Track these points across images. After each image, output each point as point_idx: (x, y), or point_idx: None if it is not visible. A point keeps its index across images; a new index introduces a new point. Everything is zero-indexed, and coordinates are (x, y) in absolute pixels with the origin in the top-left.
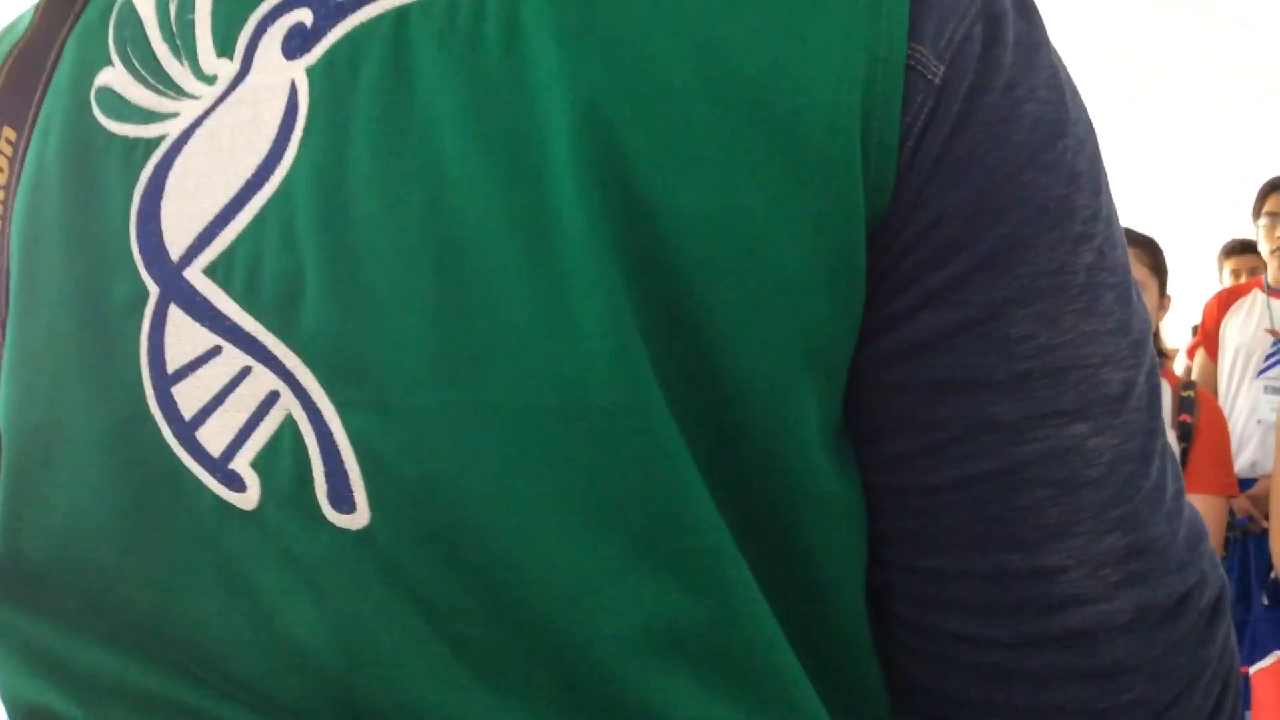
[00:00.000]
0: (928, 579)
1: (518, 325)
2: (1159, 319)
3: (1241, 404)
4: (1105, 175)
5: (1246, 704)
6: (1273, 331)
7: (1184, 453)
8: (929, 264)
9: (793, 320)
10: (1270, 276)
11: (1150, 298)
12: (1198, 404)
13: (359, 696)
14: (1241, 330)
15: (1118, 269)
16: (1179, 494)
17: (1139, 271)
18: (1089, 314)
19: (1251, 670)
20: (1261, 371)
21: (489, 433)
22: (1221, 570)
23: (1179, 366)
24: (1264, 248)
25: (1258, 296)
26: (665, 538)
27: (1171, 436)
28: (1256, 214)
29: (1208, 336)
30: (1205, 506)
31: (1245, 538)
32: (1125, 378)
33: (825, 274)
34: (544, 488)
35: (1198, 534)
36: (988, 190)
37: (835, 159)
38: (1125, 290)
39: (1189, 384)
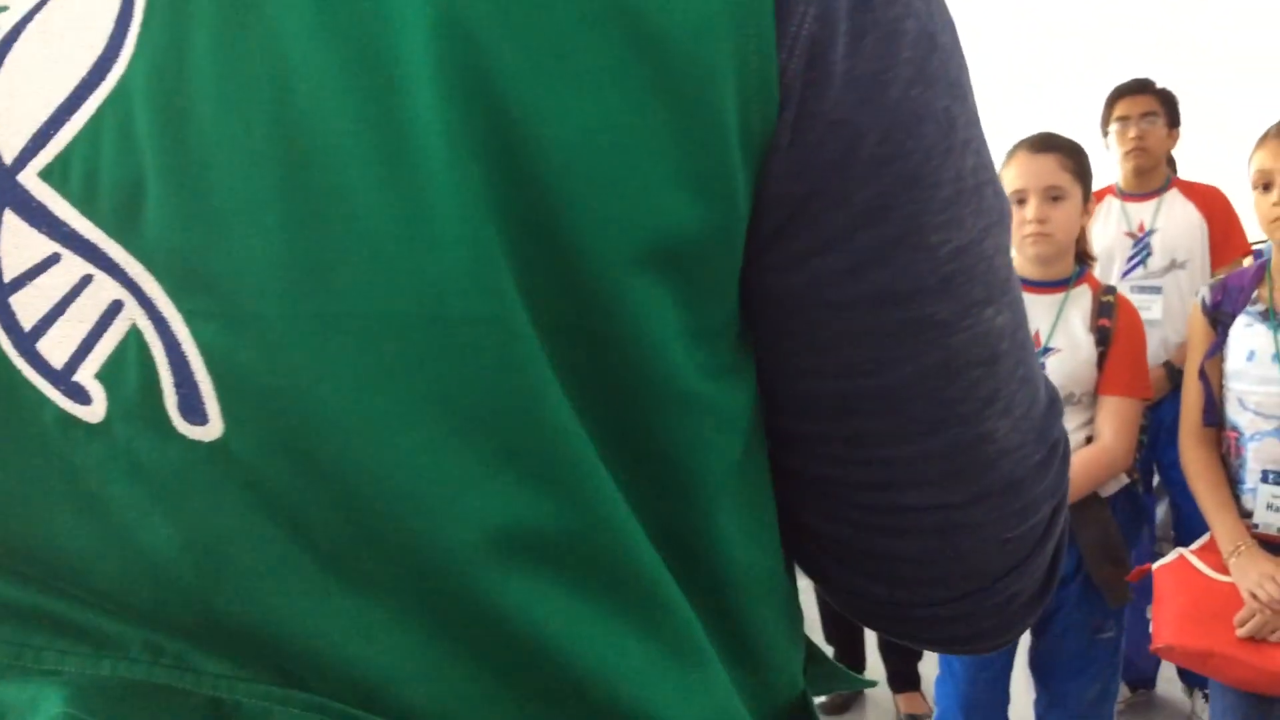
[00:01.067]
0: (883, 466)
1: (372, 233)
2: (1085, 223)
3: None
4: (970, 80)
5: (1148, 598)
6: (1130, 234)
7: (1102, 356)
8: (853, 184)
9: (648, 226)
10: (1121, 181)
11: (1074, 204)
12: (1117, 309)
13: (220, 609)
14: (1102, 237)
15: (990, 164)
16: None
17: (1062, 178)
18: (980, 212)
19: (1154, 566)
20: (1125, 274)
21: (344, 343)
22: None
23: None
24: (1116, 153)
25: (1112, 203)
26: (525, 446)
27: (1090, 341)
28: (1105, 122)
29: None
30: (1122, 408)
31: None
32: (1006, 260)
33: (688, 182)
34: (401, 398)
35: (1046, 376)
36: (892, 107)
37: (702, 68)
38: (997, 183)
39: (1109, 289)
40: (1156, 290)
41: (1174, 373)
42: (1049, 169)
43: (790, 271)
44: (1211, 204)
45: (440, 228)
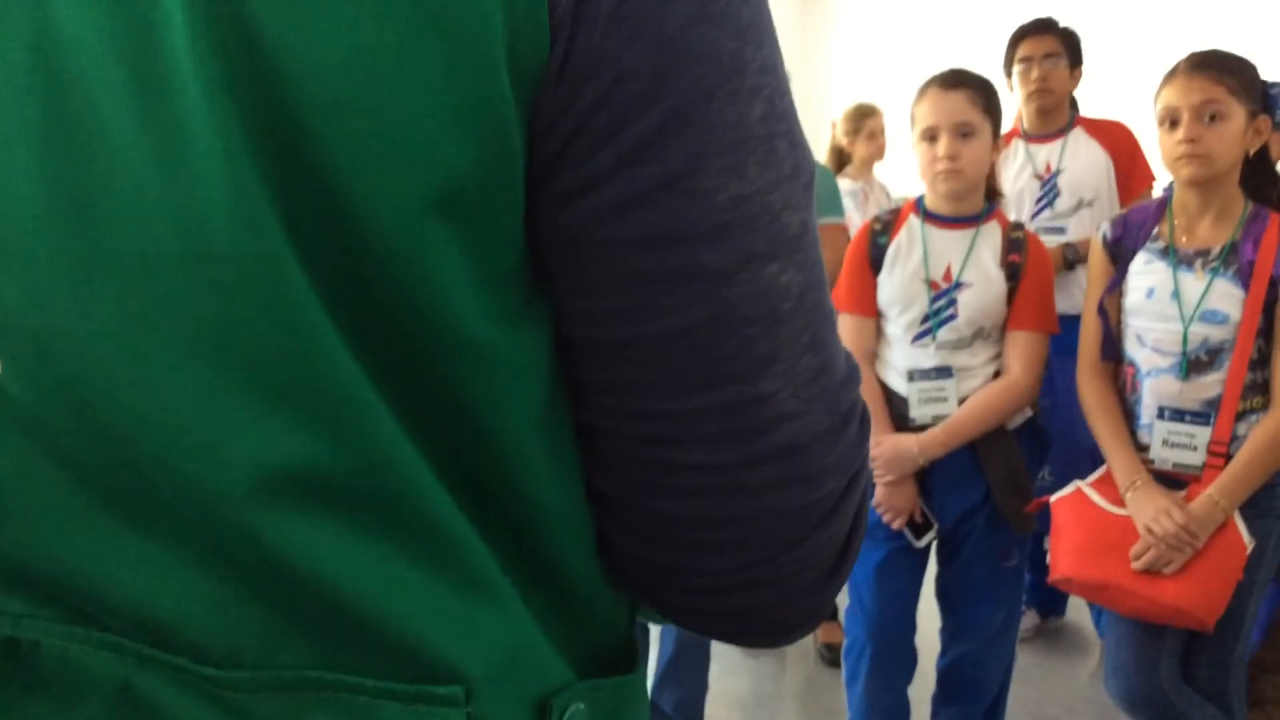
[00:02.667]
0: (656, 420)
1: (132, 170)
2: (994, 160)
3: None
4: (771, 26)
5: (1047, 528)
6: (1038, 176)
7: (1011, 292)
8: (620, 120)
9: (421, 167)
10: (1026, 123)
11: (984, 140)
12: (1026, 245)
13: (6, 550)
14: (1014, 181)
15: (787, 116)
16: (835, 314)
17: (972, 114)
18: (768, 164)
19: (1052, 499)
20: (1035, 215)
21: (108, 283)
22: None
23: None
24: (1019, 94)
25: (1018, 145)
26: (298, 387)
27: (1000, 276)
28: (1009, 63)
29: None
30: (1029, 343)
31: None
32: (801, 218)
33: (458, 120)
34: (169, 338)
35: (848, 350)
36: (666, 44)
37: (467, 3)
38: (795, 136)
39: (1018, 225)
40: (1063, 231)
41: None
42: (959, 105)
43: (559, 210)
44: (1116, 140)
45: (199, 164)
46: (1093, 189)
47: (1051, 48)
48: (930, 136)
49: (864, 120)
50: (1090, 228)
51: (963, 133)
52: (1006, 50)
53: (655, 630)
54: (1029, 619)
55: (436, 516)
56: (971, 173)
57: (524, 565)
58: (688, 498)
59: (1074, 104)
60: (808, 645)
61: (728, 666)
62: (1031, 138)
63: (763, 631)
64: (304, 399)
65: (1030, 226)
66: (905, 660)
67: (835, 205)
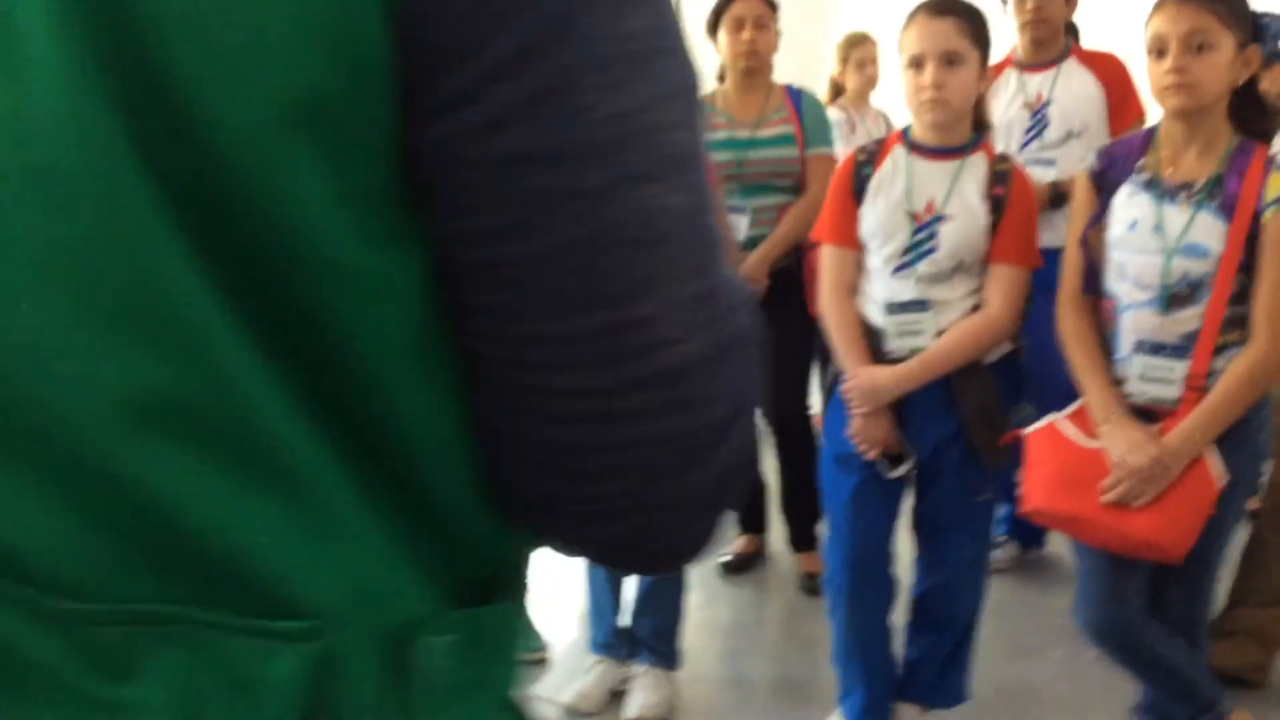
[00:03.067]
0: (532, 344)
1: None
2: (982, 90)
3: None
4: None
5: (1020, 462)
6: (1029, 106)
7: (993, 225)
8: (489, 32)
9: (274, 77)
10: (1020, 51)
11: (971, 69)
12: (1011, 178)
13: None
14: (1004, 110)
15: (671, 33)
16: (721, 239)
17: (959, 43)
18: (649, 79)
19: (1026, 432)
20: (1024, 145)
21: None
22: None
23: None
24: (1015, 22)
25: (1010, 74)
26: (143, 308)
27: (983, 209)
28: None
29: None
30: (1009, 277)
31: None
32: (686, 138)
33: (313, 29)
34: (16, 259)
35: (740, 280)
36: None
37: None
38: (680, 54)
39: (1004, 157)
40: (1051, 163)
41: None
42: (946, 33)
43: (429, 126)
44: (1109, 72)
45: (34, 77)
46: (1082, 120)
47: None
48: (916, 64)
49: (852, 50)
50: (1078, 160)
51: (949, 61)
52: None
53: None
54: (1008, 550)
55: (288, 447)
56: (957, 102)
57: (392, 495)
58: (566, 424)
59: (1074, 31)
60: (789, 574)
61: (709, 595)
62: (1024, 67)
63: (652, 558)
64: (150, 323)
65: (1019, 157)
66: (883, 589)
67: (824, 136)
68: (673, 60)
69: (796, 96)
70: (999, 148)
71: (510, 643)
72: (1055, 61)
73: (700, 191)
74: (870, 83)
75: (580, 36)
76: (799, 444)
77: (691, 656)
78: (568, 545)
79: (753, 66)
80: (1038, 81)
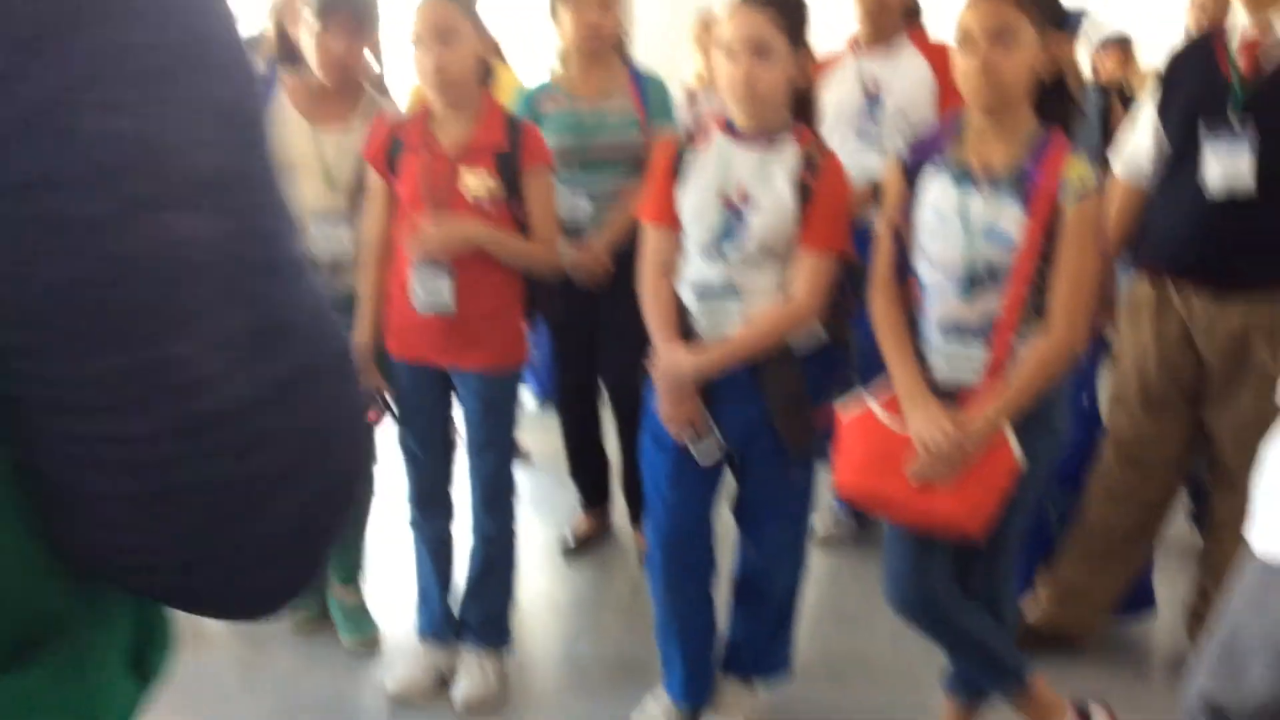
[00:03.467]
0: (61, 388)
1: None
2: (795, 78)
3: (845, 164)
4: None
5: (834, 445)
6: (865, 91)
7: (803, 212)
8: None
9: None
10: (859, 35)
11: (782, 60)
12: (821, 165)
13: None
14: (841, 93)
15: (208, 45)
16: (287, 266)
17: (770, 34)
18: (166, 97)
19: (840, 414)
20: (859, 130)
21: None
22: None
23: None
24: (858, 10)
25: (849, 58)
26: None
27: (792, 196)
28: None
29: None
30: (816, 264)
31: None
32: (219, 159)
33: None
34: None
35: (326, 304)
36: None
37: None
38: (221, 68)
39: (817, 145)
40: (884, 149)
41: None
42: (759, 24)
43: None
44: (940, 61)
45: None
46: (915, 106)
47: None
48: (730, 54)
49: (706, 31)
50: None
51: (761, 52)
52: None
53: (468, 545)
54: (842, 522)
55: None
56: (768, 93)
57: None
58: (109, 473)
59: (916, 13)
60: (631, 550)
61: (550, 574)
62: (862, 51)
63: (232, 607)
64: None
65: (854, 141)
66: (701, 568)
67: (667, 116)
68: (205, 76)
69: (640, 77)
70: (834, 130)
71: (54, 712)
72: (891, 47)
73: (243, 215)
74: None
75: (72, 51)
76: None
77: (526, 638)
78: (135, 592)
79: (595, 48)
80: (874, 66)
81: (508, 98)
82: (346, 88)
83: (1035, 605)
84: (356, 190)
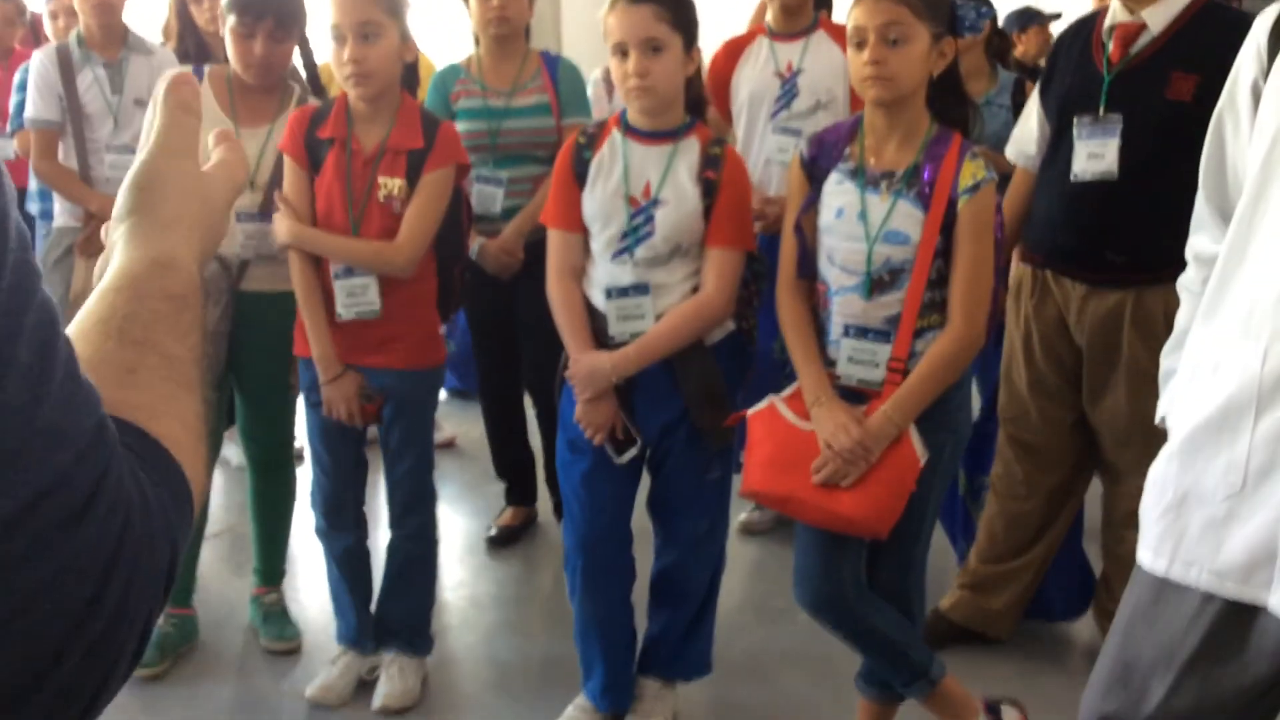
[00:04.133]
0: None
1: None
2: (688, 72)
3: (759, 148)
4: None
5: (742, 442)
6: (779, 75)
7: (707, 209)
8: None
9: None
10: (771, 21)
11: (674, 54)
12: (724, 161)
13: None
14: (755, 77)
15: None
16: (62, 380)
17: (659, 29)
18: None
19: (748, 413)
20: (773, 114)
21: None
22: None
23: None
24: None
25: (762, 43)
26: None
27: (696, 193)
28: None
29: (718, 87)
30: (724, 260)
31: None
32: None
33: None
34: None
35: (94, 424)
36: None
37: None
38: None
39: (718, 140)
40: (798, 133)
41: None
42: (645, 20)
43: None
44: None
45: None
46: (829, 92)
47: None
48: (620, 52)
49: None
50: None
51: (651, 48)
52: None
53: (382, 545)
54: (765, 514)
55: None
56: (662, 88)
57: None
58: None
59: (826, 2)
60: (558, 545)
61: (474, 569)
62: (776, 35)
63: None
64: None
65: (769, 125)
66: (619, 570)
67: (581, 104)
68: None
69: (553, 64)
70: (751, 114)
71: None
72: (805, 32)
73: None
74: None
75: None
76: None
77: (448, 637)
78: None
79: (504, 34)
80: (788, 51)
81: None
82: (273, 88)
83: (951, 595)
84: (274, 188)
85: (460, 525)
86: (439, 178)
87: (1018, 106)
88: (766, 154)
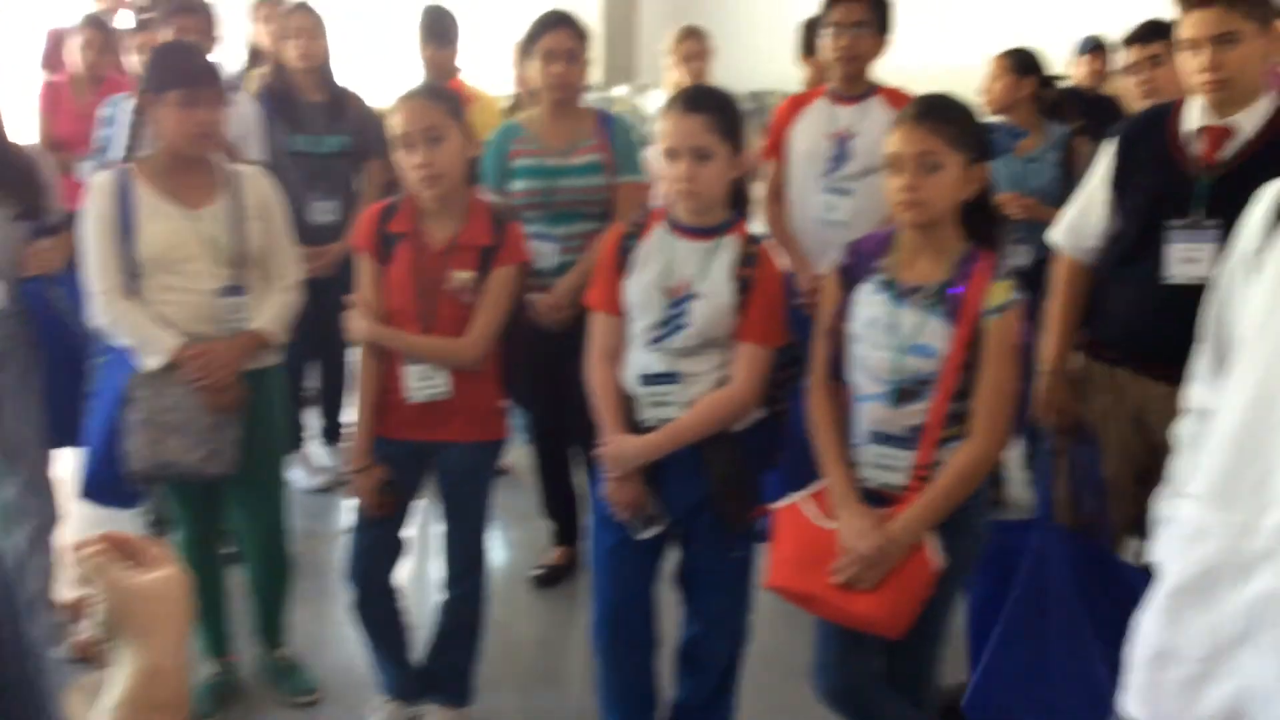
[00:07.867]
0: None
1: None
2: (733, 175)
3: (809, 205)
4: None
5: (767, 537)
6: (834, 136)
7: (741, 304)
8: None
9: None
10: (833, 83)
11: (720, 161)
12: (758, 259)
13: None
14: (806, 136)
15: None
16: None
17: (708, 139)
18: None
19: (773, 508)
20: (825, 174)
21: None
22: None
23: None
24: (829, 56)
25: (822, 104)
26: None
27: (730, 289)
28: (825, 25)
29: (776, 140)
30: (753, 355)
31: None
32: None
33: None
34: None
35: None
36: None
37: None
38: None
39: (754, 239)
40: (848, 193)
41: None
42: (696, 130)
43: None
44: None
45: None
46: (881, 158)
47: (860, 16)
48: (671, 155)
49: (681, 44)
50: (876, 193)
51: (699, 156)
52: (822, 13)
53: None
54: None
55: None
56: (707, 193)
57: None
58: None
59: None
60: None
61: (517, 609)
62: (836, 98)
63: None
64: None
65: (819, 184)
66: (641, 642)
67: (634, 163)
68: None
69: (608, 123)
70: (799, 172)
71: None
72: (863, 97)
73: None
74: (698, 77)
75: None
76: None
77: (488, 685)
78: None
79: (563, 98)
80: (847, 114)
81: (491, 118)
82: (203, 160)
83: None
84: (241, 262)
85: (505, 559)
86: (506, 275)
87: (1066, 164)
88: (815, 212)
